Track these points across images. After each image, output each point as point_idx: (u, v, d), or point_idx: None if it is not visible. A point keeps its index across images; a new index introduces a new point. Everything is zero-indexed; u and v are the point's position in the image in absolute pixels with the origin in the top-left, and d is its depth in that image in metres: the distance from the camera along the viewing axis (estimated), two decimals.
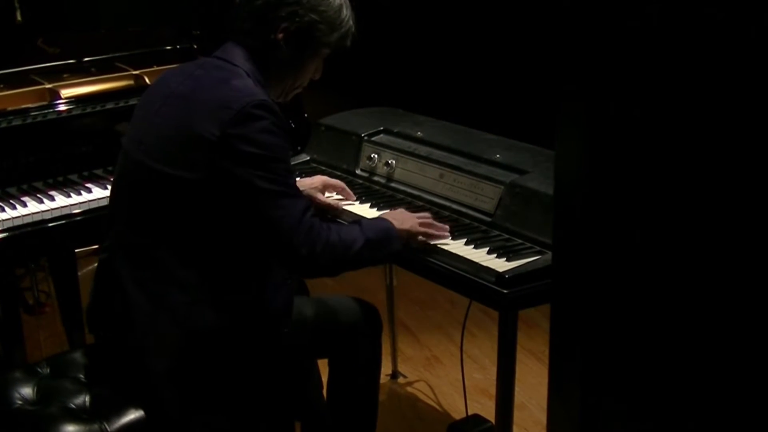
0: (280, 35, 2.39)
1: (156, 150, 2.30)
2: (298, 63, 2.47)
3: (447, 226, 2.58)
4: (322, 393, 2.96)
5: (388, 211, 2.65)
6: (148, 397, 2.30)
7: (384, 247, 2.42)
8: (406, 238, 2.48)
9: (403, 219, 2.51)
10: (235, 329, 2.33)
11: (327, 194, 2.88)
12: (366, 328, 2.71)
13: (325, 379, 2.84)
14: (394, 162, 2.97)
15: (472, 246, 2.50)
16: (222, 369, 2.34)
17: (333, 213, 2.81)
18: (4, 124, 2.94)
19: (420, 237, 2.52)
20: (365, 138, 3.11)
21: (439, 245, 2.52)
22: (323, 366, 2.85)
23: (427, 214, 2.61)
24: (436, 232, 2.54)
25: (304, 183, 2.83)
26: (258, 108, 2.23)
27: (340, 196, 2.89)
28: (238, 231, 2.28)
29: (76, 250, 3.61)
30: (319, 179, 2.87)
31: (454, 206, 2.75)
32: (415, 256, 2.52)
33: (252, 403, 2.41)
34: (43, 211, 2.88)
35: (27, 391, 2.39)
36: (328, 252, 2.27)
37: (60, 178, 3.07)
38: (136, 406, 2.30)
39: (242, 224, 2.26)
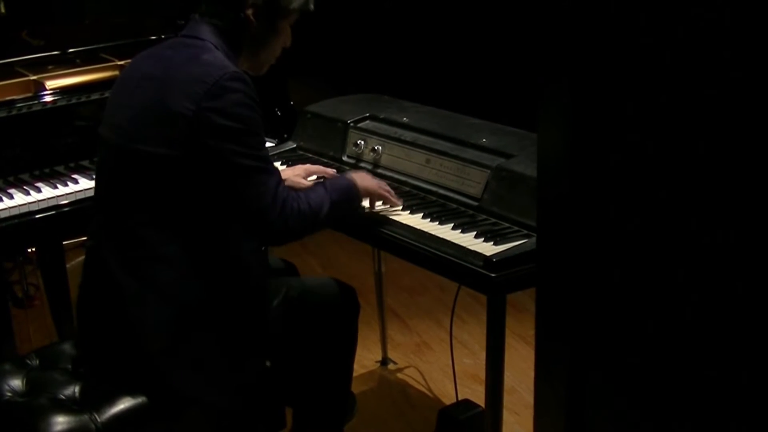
0: (249, 12, 2.41)
1: (133, 131, 2.33)
2: (269, 37, 2.50)
3: (401, 200, 2.71)
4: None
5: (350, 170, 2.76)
6: (149, 377, 2.32)
7: (348, 207, 2.56)
8: (366, 196, 2.62)
9: (363, 177, 2.64)
10: (224, 298, 2.38)
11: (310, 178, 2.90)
12: (343, 310, 2.72)
13: None
14: (380, 148, 2.97)
15: (460, 230, 2.51)
16: (219, 339, 2.38)
17: None
18: None
19: (377, 200, 2.66)
20: (351, 125, 3.11)
21: (426, 230, 2.53)
22: None
23: (384, 183, 2.71)
24: (393, 198, 2.67)
25: (285, 173, 2.85)
26: (232, 80, 2.28)
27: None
28: (216, 204, 2.33)
29: (64, 242, 3.61)
30: (301, 168, 2.90)
31: (441, 191, 2.75)
32: (404, 240, 2.53)
33: (251, 373, 2.45)
34: (29, 203, 2.88)
35: (16, 383, 2.40)
36: (299, 223, 2.39)
37: (46, 170, 3.06)
38: (126, 396, 2.30)
39: (219, 198, 2.32)
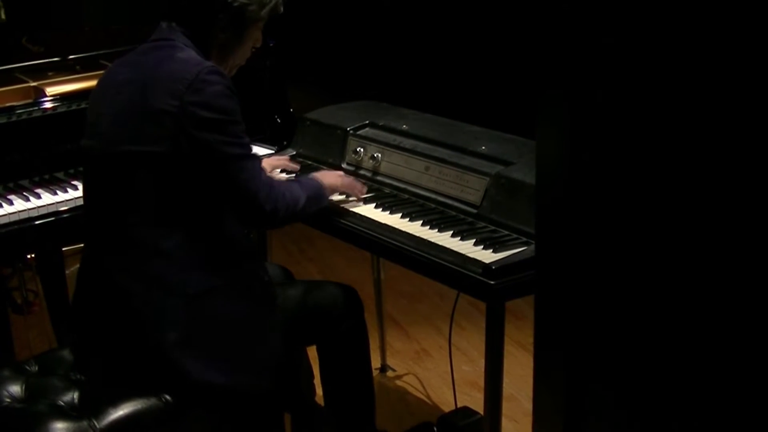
0: (216, 24, 2.47)
1: (118, 135, 2.37)
2: (236, 44, 2.56)
3: (365, 188, 2.85)
4: (312, 383, 2.97)
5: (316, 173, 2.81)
6: (164, 372, 2.33)
7: (319, 202, 2.65)
8: (331, 192, 2.74)
9: (325, 175, 2.74)
10: (226, 282, 2.40)
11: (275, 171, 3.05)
12: (348, 310, 2.75)
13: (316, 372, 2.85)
14: (379, 155, 2.97)
15: (459, 238, 2.51)
16: (231, 322, 2.41)
17: None
18: None
19: (341, 193, 2.78)
20: (351, 132, 3.12)
21: (425, 237, 2.53)
22: (315, 362, 2.86)
23: (350, 177, 2.86)
24: (354, 190, 2.81)
25: (270, 161, 3.00)
26: (210, 74, 2.34)
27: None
28: (208, 194, 2.37)
29: (63, 249, 3.61)
30: (275, 158, 3.09)
31: (440, 198, 2.76)
32: (403, 247, 2.53)
33: (271, 348, 2.48)
34: (29, 209, 2.88)
35: (15, 389, 2.39)
36: (285, 207, 2.46)
37: (46, 176, 3.07)
38: (125, 402, 2.30)
39: (210, 187, 2.37)
